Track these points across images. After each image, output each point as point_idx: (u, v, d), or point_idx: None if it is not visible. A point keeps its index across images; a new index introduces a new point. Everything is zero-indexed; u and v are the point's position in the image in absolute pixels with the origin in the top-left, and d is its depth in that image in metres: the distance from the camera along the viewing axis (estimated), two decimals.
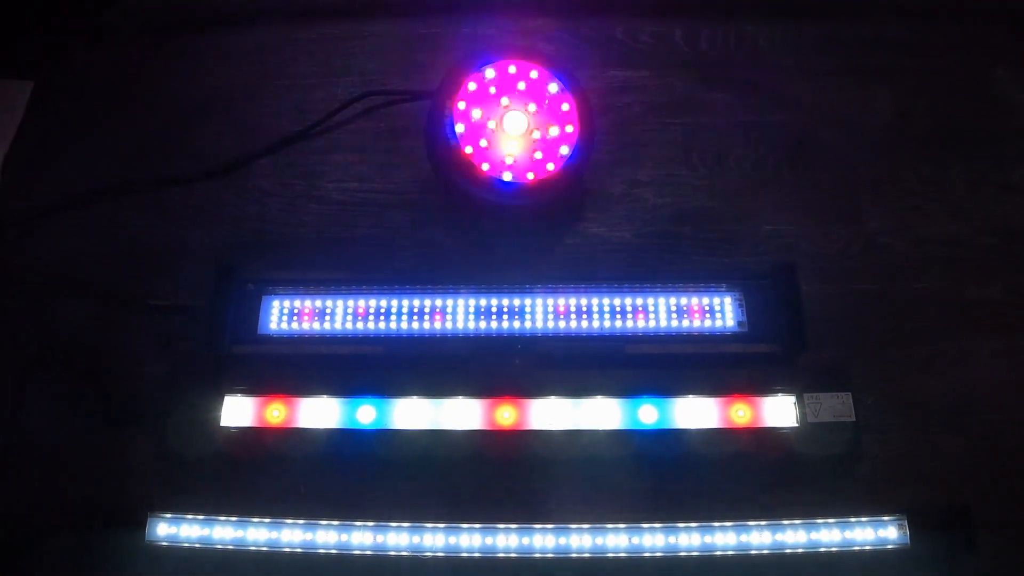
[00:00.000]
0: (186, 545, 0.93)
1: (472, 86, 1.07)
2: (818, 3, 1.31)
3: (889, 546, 0.93)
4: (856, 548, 0.93)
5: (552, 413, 0.98)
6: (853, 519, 0.94)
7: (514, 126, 1.06)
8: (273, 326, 1.05)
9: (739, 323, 1.04)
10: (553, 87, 1.08)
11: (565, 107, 1.08)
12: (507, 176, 1.05)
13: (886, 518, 0.94)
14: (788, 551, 0.92)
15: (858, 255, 1.10)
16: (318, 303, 1.06)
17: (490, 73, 1.07)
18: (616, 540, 0.93)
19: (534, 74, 1.08)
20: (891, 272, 1.09)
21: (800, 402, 0.98)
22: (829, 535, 0.93)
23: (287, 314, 1.05)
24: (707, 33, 1.27)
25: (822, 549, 0.93)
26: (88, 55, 1.26)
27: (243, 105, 1.22)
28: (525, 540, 0.93)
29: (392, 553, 0.93)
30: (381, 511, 0.94)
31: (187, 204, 1.15)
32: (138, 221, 1.13)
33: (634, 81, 1.23)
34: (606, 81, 1.23)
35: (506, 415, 0.98)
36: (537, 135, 1.07)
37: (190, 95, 1.23)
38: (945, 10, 1.30)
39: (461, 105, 1.06)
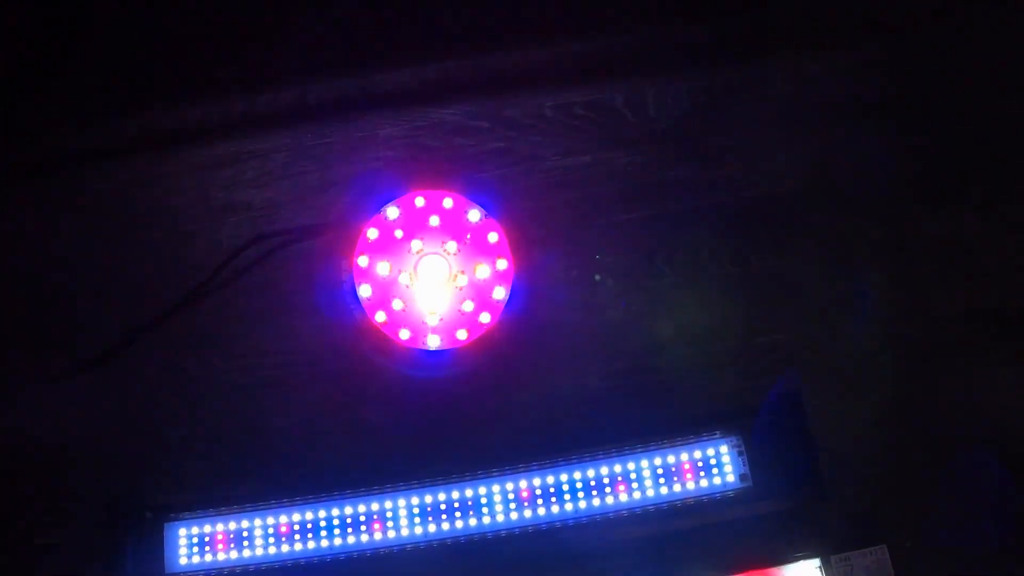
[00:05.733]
0: None
1: (373, 233, 0.87)
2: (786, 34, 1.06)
3: None
4: None
5: None
6: None
7: (433, 274, 0.87)
8: (183, 561, 0.87)
9: (741, 476, 0.86)
10: (474, 215, 0.88)
11: (493, 237, 0.88)
12: (433, 341, 0.86)
13: None
14: None
15: None
16: (232, 525, 0.88)
17: (393, 212, 0.87)
18: None
19: (448, 203, 0.88)
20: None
21: (827, 566, 0.83)
22: None
23: (197, 544, 0.87)
24: (653, 93, 1.03)
25: None
26: None
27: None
28: None
29: None
30: None
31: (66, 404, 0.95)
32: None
33: (573, 170, 1.00)
34: (540, 177, 1.00)
35: None
36: (463, 281, 0.87)
37: (41, 261, 1.01)
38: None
39: (362, 261, 0.86)
